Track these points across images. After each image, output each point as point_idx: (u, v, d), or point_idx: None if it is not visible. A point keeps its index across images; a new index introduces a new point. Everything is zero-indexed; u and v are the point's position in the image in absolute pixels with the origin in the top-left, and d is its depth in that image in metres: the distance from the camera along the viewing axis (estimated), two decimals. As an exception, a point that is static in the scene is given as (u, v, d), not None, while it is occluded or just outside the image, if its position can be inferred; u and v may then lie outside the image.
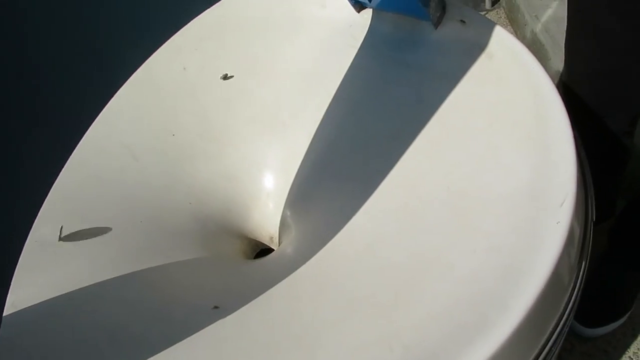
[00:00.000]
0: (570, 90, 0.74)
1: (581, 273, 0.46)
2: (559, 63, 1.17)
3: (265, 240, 0.75)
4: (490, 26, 0.61)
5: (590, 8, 0.65)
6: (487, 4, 1.50)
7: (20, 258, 0.58)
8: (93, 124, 0.70)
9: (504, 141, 0.53)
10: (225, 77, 0.70)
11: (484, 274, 0.43)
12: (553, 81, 0.54)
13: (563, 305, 0.44)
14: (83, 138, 0.68)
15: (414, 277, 0.47)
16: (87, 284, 0.56)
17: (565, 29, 0.74)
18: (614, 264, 0.89)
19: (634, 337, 0.91)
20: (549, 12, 1.29)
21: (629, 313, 0.90)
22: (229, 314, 0.52)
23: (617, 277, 0.89)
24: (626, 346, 0.90)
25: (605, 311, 0.89)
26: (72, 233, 0.60)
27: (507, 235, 0.45)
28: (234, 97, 0.77)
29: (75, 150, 0.67)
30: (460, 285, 0.44)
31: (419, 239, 0.51)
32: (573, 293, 0.45)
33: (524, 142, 0.51)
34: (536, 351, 0.42)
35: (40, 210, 0.60)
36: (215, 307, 0.54)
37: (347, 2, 0.72)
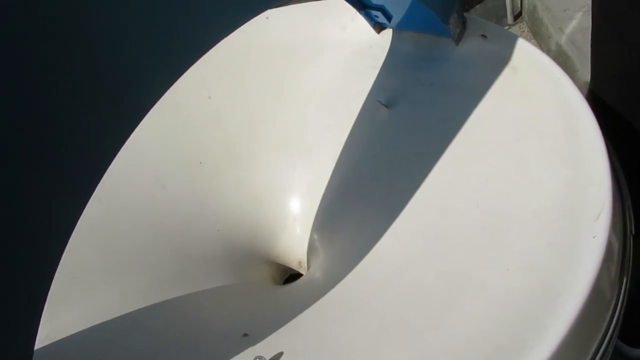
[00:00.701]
0: (597, 96, 0.72)
1: (623, 289, 0.44)
2: (586, 74, 1.15)
3: (294, 265, 0.74)
4: (512, 39, 0.60)
5: (617, 11, 0.64)
6: (509, 19, 1.49)
7: (51, 289, 0.59)
8: (119, 153, 0.71)
9: (533, 155, 0.51)
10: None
11: (519, 293, 0.42)
12: (582, 92, 0.52)
13: (605, 324, 0.42)
14: (110, 168, 0.69)
15: (446, 298, 0.46)
16: (117, 315, 0.57)
17: (590, 39, 0.73)
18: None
19: (683, 357, 0.86)
20: (573, 23, 1.27)
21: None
22: (259, 342, 0.51)
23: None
24: (675, 366, 0.85)
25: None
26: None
27: (542, 252, 0.43)
28: (258, 123, 0.78)
29: (103, 180, 0.68)
30: (495, 306, 0.42)
31: (449, 259, 0.50)
32: (615, 311, 0.43)
33: (554, 155, 0.50)
34: (579, 374, 0.40)
35: (70, 241, 0.61)
36: (245, 335, 0.53)
37: (367, 23, 0.72)
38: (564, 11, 1.30)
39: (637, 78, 0.67)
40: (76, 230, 0.66)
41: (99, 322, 0.56)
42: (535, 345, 0.38)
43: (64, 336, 0.55)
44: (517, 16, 1.49)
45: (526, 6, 1.45)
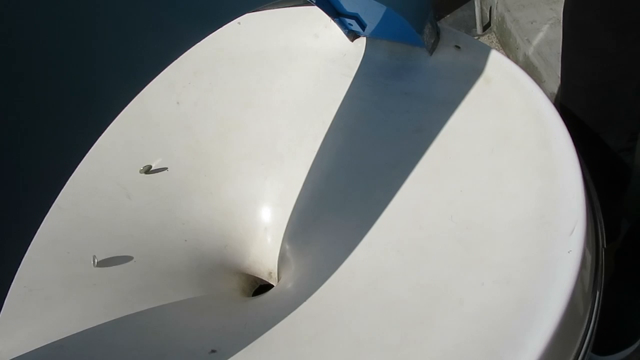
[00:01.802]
0: (567, 107, 0.73)
1: (596, 303, 0.44)
2: (553, 85, 1.17)
3: (264, 276, 0.72)
4: (486, 50, 0.61)
5: (586, 23, 0.65)
6: (479, 29, 1.51)
7: (5, 304, 0.55)
8: (83, 161, 0.68)
9: (507, 167, 0.51)
10: (147, 171, 0.69)
11: (495, 308, 0.41)
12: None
13: (580, 338, 0.42)
14: (72, 176, 0.66)
15: (421, 313, 0.45)
16: (78, 331, 0.54)
17: (557, 50, 0.74)
18: (623, 287, 0.87)
19: (649, 363, 0.88)
20: (540, 35, 1.30)
21: (642, 338, 0.87)
22: (227, 358, 0.50)
23: (627, 300, 0.87)
24: (641, 373, 0.87)
25: (618, 336, 0.86)
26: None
27: (517, 266, 0.43)
28: (228, 131, 0.76)
29: (64, 190, 0.65)
30: (471, 321, 0.42)
31: (424, 272, 0.49)
32: (589, 325, 0.43)
33: (528, 167, 0.50)
34: (555, 391, 0.40)
35: (27, 254, 0.58)
36: (213, 351, 0.51)
37: (341, 31, 0.72)
38: (532, 23, 1.33)
39: (606, 89, 0.68)
40: (34, 240, 0.62)
41: (58, 338, 0.53)
42: (511, 362, 0.37)
43: (19, 354, 0.52)
44: (486, 27, 1.52)
45: (495, 17, 1.48)
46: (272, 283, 0.72)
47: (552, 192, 0.46)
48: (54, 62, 0.34)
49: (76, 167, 0.42)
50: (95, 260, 0.60)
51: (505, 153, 0.52)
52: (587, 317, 0.43)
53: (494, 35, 1.51)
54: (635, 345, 0.87)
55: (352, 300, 0.52)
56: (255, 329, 0.53)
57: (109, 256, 0.63)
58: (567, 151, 0.47)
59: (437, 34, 0.65)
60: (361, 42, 0.72)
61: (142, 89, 0.37)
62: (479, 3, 1.47)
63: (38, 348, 0.52)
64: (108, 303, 0.59)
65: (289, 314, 0.54)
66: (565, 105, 0.74)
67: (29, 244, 0.39)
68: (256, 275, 0.73)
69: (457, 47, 0.64)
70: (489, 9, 1.50)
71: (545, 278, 0.41)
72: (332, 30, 0.73)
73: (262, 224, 0.72)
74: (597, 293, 0.44)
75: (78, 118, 0.39)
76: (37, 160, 0.37)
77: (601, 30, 0.63)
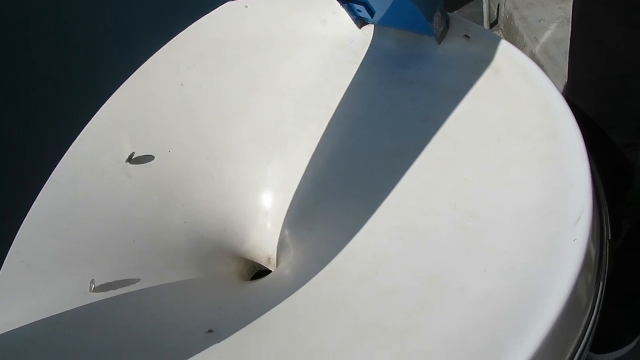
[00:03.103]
0: (573, 102, 0.73)
1: (599, 295, 0.44)
2: (559, 84, 1.16)
3: (263, 262, 0.72)
4: (495, 41, 0.60)
5: (597, 16, 0.64)
6: (486, 27, 1.50)
7: (2, 279, 0.55)
8: (83, 139, 0.67)
9: (514, 158, 0.51)
10: (130, 159, 0.67)
11: (498, 296, 0.41)
12: (561, 97, 0.52)
13: (582, 329, 0.41)
14: (73, 153, 0.65)
15: (424, 299, 0.45)
16: (74, 307, 0.53)
17: (565, 50, 0.73)
18: (621, 286, 0.86)
19: (645, 363, 0.88)
20: (548, 34, 1.29)
21: (639, 337, 0.87)
22: (224, 339, 0.49)
23: (626, 299, 0.87)
24: (638, 372, 0.87)
25: (616, 335, 0.86)
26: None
27: (522, 254, 0.43)
28: (233, 115, 0.75)
29: (64, 166, 0.64)
30: (474, 308, 0.41)
31: (427, 259, 0.49)
32: (592, 316, 0.42)
33: (535, 157, 0.49)
34: (556, 380, 0.39)
35: (25, 229, 0.58)
36: (210, 331, 0.51)
37: (349, 18, 0.71)
38: (540, 22, 1.32)
39: (614, 83, 0.67)
40: (32, 216, 0.62)
41: (55, 314, 0.52)
42: (513, 350, 0.37)
43: (15, 328, 0.52)
44: (494, 24, 1.51)
45: (503, 15, 1.47)
46: (270, 269, 0.71)
47: (558, 182, 0.45)
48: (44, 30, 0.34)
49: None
50: (93, 286, 0.57)
51: (513, 143, 0.52)
52: (590, 307, 0.42)
53: (501, 33, 1.51)
54: (632, 345, 0.87)
55: (353, 285, 0.51)
56: (254, 311, 0.53)
57: (107, 235, 0.63)
58: (575, 142, 0.47)
59: (447, 22, 0.64)
60: (369, 29, 0.71)
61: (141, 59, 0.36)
62: (487, 0, 1.46)
63: (34, 322, 0.52)
64: (105, 281, 0.58)
65: (287, 297, 0.54)
66: (571, 99, 0.74)
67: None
68: (255, 261, 0.72)
69: (467, 36, 0.63)
70: (497, 6, 1.49)
71: (549, 266, 0.40)
72: (340, 16, 0.72)
73: (263, 209, 0.71)
74: (601, 284, 0.44)
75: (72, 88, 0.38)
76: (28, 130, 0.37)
77: (612, 25, 0.63)
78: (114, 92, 0.70)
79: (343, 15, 0.71)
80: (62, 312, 0.52)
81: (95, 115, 0.69)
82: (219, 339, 0.50)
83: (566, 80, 0.79)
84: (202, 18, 0.77)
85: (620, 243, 0.88)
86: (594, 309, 0.43)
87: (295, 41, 0.76)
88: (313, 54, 0.74)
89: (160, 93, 0.76)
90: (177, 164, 0.72)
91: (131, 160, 0.67)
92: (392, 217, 0.55)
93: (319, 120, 0.70)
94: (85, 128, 0.68)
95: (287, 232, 0.69)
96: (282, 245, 0.69)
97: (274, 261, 0.71)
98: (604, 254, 0.46)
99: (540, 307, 0.38)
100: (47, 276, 0.57)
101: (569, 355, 0.41)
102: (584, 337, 0.41)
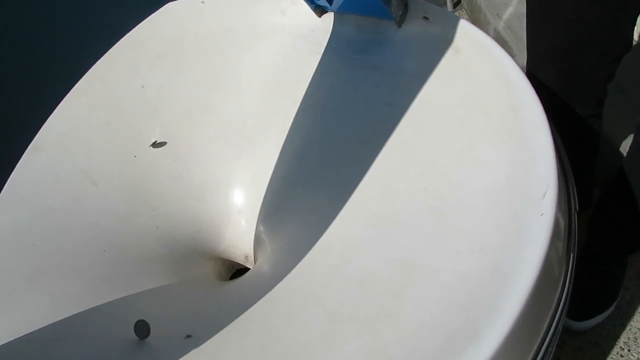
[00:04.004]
0: (534, 76, 0.73)
1: (570, 266, 0.44)
2: (523, 59, 1.17)
3: (241, 260, 0.71)
4: (454, 21, 0.60)
5: None
6: (449, 6, 1.50)
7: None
8: (43, 149, 0.65)
9: (478, 136, 0.51)
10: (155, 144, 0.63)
11: (470, 276, 0.41)
12: (521, 72, 0.52)
13: (555, 301, 0.42)
14: (33, 165, 0.63)
15: (397, 285, 0.45)
16: (46, 324, 0.52)
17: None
18: (595, 254, 0.88)
19: (623, 327, 0.89)
20: (510, 9, 1.30)
21: (615, 302, 0.89)
22: (203, 342, 0.48)
23: (600, 267, 0.88)
24: (616, 336, 0.88)
25: (593, 303, 0.87)
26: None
27: (491, 233, 0.43)
28: (197, 114, 0.74)
29: (25, 180, 0.62)
30: (447, 290, 0.41)
31: (399, 245, 0.49)
32: (564, 288, 0.43)
33: (499, 135, 0.49)
34: (532, 353, 0.39)
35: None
36: (188, 336, 0.50)
37: (308, 7, 0.70)
38: (501, -2, 1.32)
39: (572, 57, 0.68)
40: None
41: (25, 332, 0.51)
42: (488, 327, 0.37)
43: (-16, 350, 0.50)
44: (457, 4, 1.51)
45: (464, -7, 1.47)
46: (248, 266, 0.70)
47: (523, 157, 0.46)
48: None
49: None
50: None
51: (476, 121, 0.52)
52: (562, 279, 0.43)
53: (465, 12, 1.51)
54: (609, 311, 0.89)
55: (327, 276, 0.51)
56: (231, 311, 0.52)
57: (76, 246, 0.61)
58: (536, 116, 0.47)
59: (405, 5, 0.64)
60: (329, 17, 0.71)
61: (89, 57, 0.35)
62: (448, -20, 1.46)
63: (4, 344, 0.50)
64: (77, 294, 0.57)
65: (264, 294, 0.53)
66: (533, 73, 0.74)
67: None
68: (232, 259, 0.71)
69: (426, 18, 0.63)
70: (458, -15, 1.49)
71: (519, 242, 0.40)
72: (299, 6, 0.71)
73: (236, 207, 0.70)
74: (571, 255, 0.44)
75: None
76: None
77: None
78: (64, 96, 0.68)
79: (301, 5, 0.70)
80: (32, 330, 0.51)
81: (49, 121, 0.67)
82: (197, 343, 0.49)
83: (526, 56, 0.79)
84: (153, 15, 0.75)
85: (591, 212, 0.89)
86: (566, 280, 0.43)
87: (255, 34, 0.75)
88: (274, 46, 0.73)
89: (120, 96, 0.74)
90: (143, 167, 0.70)
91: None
92: (363, 205, 0.55)
93: (284, 113, 0.69)
94: (38, 135, 0.66)
95: (261, 228, 0.68)
96: (258, 242, 0.68)
97: (252, 258, 0.70)
98: (573, 225, 0.46)
99: (512, 283, 0.39)
100: (15, 294, 0.55)
101: (544, 327, 0.41)
102: (557, 308, 0.42)
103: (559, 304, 0.42)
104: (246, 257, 0.71)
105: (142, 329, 0.49)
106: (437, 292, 0.42)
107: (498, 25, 1.28)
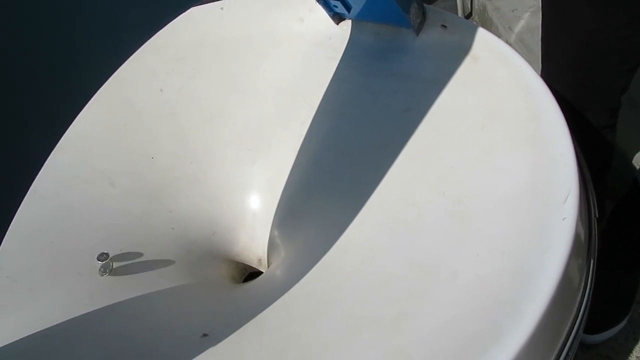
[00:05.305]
0: (549, 86, 0.73)
1: (590, 272, 0.44)
2: (536, 71, 1.18)
3: (254, 263, 0.71)
4: (472, 29, 0.60)
5: (565, 1, 0.65)
6: (460, 20, 1.52)
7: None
8: (64, 149, 0.66)
9: (498, 142, 0.51)
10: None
11: (491, 279, 0.41)
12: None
13: (576, 305, 0.42)
14: (54, 165, 0.64)
15: (417, 288, 0.45)
16: (63, 320, 0.52)
17: (538, 38, 0.74)
18: (608, 267, 0.87)
19: (636, 341, 0.88)
20: (522, 22, 1.31)
21: (628, 316, 0.88)
22: (220, 342, 0.48)
23: (613, 280, 0.88)
24: (629, 350, 0.87)
25: (605, 316, 0.87)
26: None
27: (511, 236, 0.43)
28: (214, 118, 0.74)
29: (45, 178, 0.63)
30: (467, 293, 0.41)
31: (418, 248, 0.49)
32: (585, 293, 0.43)
33: (518, 142, 0.49)
34: (553, 357, 0.39)
35: (9, 244, 0.56)
36: (205, 335, 0.50)
37: (326, 14, 0.71)
38: (513, 11, 1.33)
39: (587, 66, 0.68)
40: (16, 230, 0.61)
41: (43, 328, 0.51)
42: (510, 330, 0.37)
43: (3, 344, 0.50)
44: (468, 16, 1.52)
45: (476, 7, 1.48)
46: (261, 270, 0.71)
47: (543, 162, 0.46)
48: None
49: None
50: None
51: (495, 128, 0.52)
52: (583, 285, 0.43)
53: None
54: (622, 324, 0.88)
55: (346, 279, 0.51)
56: (247, 312, 0.52)
57: (93, 245, 0.62)
58: (557, 123, 0.47)
59: (423, 14, 0.64)
60: (347, 25, 0.71)
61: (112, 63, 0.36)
62: (460, -7, 1.47)
63: (22, 338, 0.51)
64: (93, 292, 0.57)
65: (280, 296, 0.53)
66: (547, 83, 0.74)
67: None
68: (246, 263, 0.72)
69: (444, 26, 0.63)
70: (470, -2, 1.50)
71: (540, 246, 0.40)
72: (317, 13, 0.72)
73: (251, 210, 0.71)
74: (591, 262, 0.44)
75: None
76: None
77: (580, 8, 0.64)
78: (88, 99, 0.69)
79: (319, 12, 0.71)
80: (50, 325, 0.51)
81: (72, 124, 0.68)
82: (214, 342, 0.49)
83: (541, 66, 0.80)
84: (174, 20, 0.76)
85: (604, 224, 0.89)
86: (587, 286, 0.43)
87: (273, 40, 0.76)
88: (292, 53, 0.74)
89: (139, 99, 0.75)
90: (161, 169, 0.71)
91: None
92: (380, 209, 0.55)
93: (301, 118, 0.70)
94: (63, 137, 0.67)
95: (276, 232, 0.68)
96: (272, 246, 0.69)
97: (265, 262, 0.70)
98: (593, 232, 0.46)
99: (534, 287, 0.39)
100: (34, 290, 0.56)
101: (565, 331, 0.41)
102: (578, 314, 0.42)
103: (580, 309, 0.42)
104: (260, 260, 0.71)
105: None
106: (458, 294, 0.42)
107: (509, 38, 1.29)
